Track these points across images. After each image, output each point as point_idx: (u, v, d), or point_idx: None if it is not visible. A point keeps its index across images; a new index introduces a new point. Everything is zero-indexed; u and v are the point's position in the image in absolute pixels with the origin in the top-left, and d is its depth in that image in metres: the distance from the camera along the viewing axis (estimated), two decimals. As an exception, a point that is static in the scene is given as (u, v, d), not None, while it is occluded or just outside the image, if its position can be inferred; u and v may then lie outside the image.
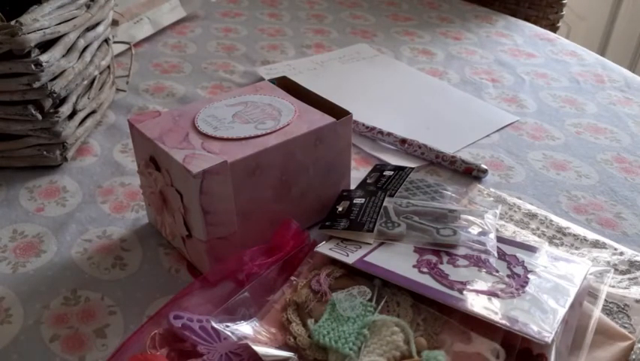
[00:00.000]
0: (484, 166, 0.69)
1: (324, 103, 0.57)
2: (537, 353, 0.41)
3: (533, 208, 0.62)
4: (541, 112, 0.86)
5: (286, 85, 0.62)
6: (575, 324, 0.45)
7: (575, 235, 0.58)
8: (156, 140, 0.51)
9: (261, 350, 0.41)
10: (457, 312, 0.43)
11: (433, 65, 0.99)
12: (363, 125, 0.75)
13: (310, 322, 0.43)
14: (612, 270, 0.52)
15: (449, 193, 0.61)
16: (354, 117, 0.72)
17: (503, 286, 0.45)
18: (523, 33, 1.15)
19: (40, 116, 0.62)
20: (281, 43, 1.04)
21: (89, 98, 0.70)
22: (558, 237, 0.58)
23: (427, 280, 0.45)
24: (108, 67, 0.78)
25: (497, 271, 0.47)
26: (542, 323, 0.41)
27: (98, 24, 0.72)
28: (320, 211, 0.58)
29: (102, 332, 0.48)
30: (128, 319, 0.49)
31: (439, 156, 0.70)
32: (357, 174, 0.67)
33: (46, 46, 0.61)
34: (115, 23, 0.92)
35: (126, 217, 0.61)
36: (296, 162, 0.54)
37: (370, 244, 0.50)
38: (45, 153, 0.65)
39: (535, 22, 1.28)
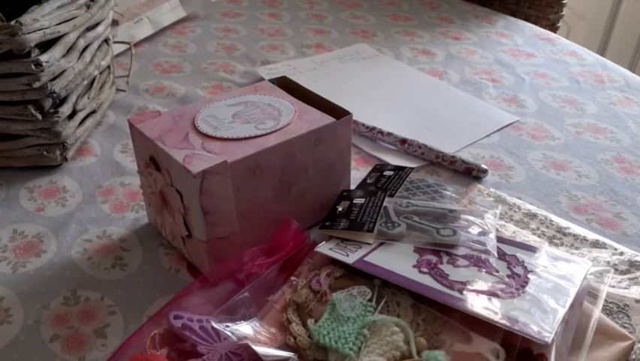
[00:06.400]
0: (484, 166, 0.69)
1: (324, 103, 0.57)
2: (537, 353, 0.41)
3: (533, 208, 0.62)
4: (541, 112, 0.86)
5: (286, 85, 0.62)
6: (575, 324, 0.45)
7: (575, 235, 0.58)
8: (156, 140, 0.51)
9: (261, 350, 0.41)
10: (457, 312, 0.43)
11: (433, 65, 0.99)
12: (363, 125, 0.75)
13: (310, 322, 0.43)
14: (612, 270, 0.52)
15: (449, 193, 0.61)
16: (354, 117, 0.72)
17: (503, 286, 0.45)
18: (523, 33, 1.15)
19: (40, 116, 0.62)
20: (281, 43, 1.04)
21: (89, 98, 0.70)
22: (558, 237, 0.58)
23: (427, 280, 0.45)
24: (108, 67, 0.78)
25: (497, 271, 0.47)
26: (542, 323, 0.41)
27: (98, 24, 0.72)
28: (320, 211, 0.58)
29: (102, 332, 0.48)
30: (128, 319, 0.49)
31: (439, 156, 0.70)
32: (357, 174, 0.67)
33: (46, 46, 0.61)
34: (115, 23, 0.92)
35: (126, 217, 0.61)
36: (296, 162, 0.54)
37: (370, 244, 0.50)
38: (45, 153, 0.65)
39: (535, 22, 1.28)
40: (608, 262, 0.54)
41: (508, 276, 0.47)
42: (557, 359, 0.41)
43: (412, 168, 0.63)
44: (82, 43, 0.67)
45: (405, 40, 1.08)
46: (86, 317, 0.49)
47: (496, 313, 0.42)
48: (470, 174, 0.69)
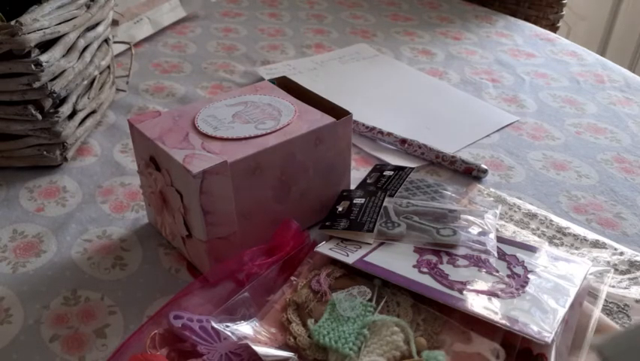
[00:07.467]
0: (484, 166, 0.69)
1: (324, 103, 0.57)
2: (537, 353, 0.41)
3: (533, 208, 0.62)
4: (541, 112, 0.86)
5: (286, 85, 0.62)
6: (575, 324, 0.45)
7: (575, 235, 0.58)
8: (156, 140, 0.51)
9: (261, 350, 0.41)
10: (457, 312, 0.43)
11: (433, 65, 0.99)
12: (363, 125, 0.75)
13: (310, 322, 0.43)
14: (612, 270, 0.52)
15: (449, 193, 0.61)
16: (354, 117, 0.72)
17: (503, 286, 0.45)
18: (523, 33, 1.15)
19: (40, 116, 0.62)
20: (281, 43, 1.04)
21: (89, 98, 0.70)
22: (558, 237, 0.58)
23: (427, 280, 0.45)
24: (108, 67, 0.78)
25: (497, 271, 0.47)
26: (542, 323, 0.41)
27: (98, 24, 0.72)
28: (320, 211, 0.58)
29: (102, 332, 0.48)
30: (128, 319, 0.49)
31: (439, 156, 0.70)
32: (357, 174, 0.67)
33: (46, 46, 0.61)
34: (115, 23, 0.92)
35: (126, 217, 0.61)
36: (296, 162, 0.54)
37: (370, 244, 0.50)
38: (45, 153, 0.65)
39: (535, 22, 1.27)
40: (608, 262, 0.54)
41: (508, 276, 0.47)
42: (557, 359, 0.41)
43: (412, 168, 0.63)
44: (82, 43, 0.67)
45: (405, 40, 1.08)
46: (86, 317, 0.49)
47: (496, 313, 0.42)
48: (470, 174, 0.69)
